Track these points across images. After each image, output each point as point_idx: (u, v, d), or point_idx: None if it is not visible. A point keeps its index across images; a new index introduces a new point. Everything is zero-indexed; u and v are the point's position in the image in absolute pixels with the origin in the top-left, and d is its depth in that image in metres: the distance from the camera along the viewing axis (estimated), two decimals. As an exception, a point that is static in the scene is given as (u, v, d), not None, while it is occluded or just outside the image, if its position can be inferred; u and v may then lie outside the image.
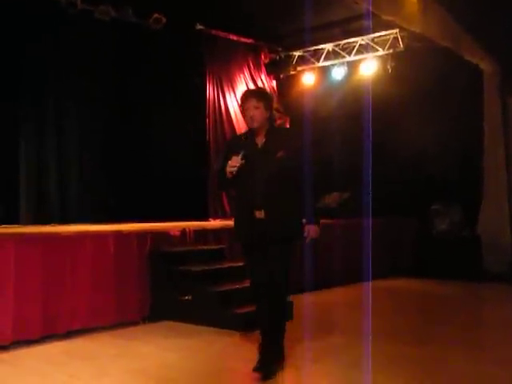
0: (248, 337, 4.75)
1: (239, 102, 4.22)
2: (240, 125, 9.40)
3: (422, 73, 8.25)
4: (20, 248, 4.67)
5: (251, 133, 3.98)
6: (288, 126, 10.40)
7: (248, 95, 4.02)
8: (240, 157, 3.79)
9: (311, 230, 3.99)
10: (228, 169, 3.81)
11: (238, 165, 3.79)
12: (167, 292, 5.60)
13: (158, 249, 5.74)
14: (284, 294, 4.00)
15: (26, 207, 6.91)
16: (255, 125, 3.91)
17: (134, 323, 5.43)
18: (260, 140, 3.95)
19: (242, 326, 5.01)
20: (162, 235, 5.91)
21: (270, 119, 4.05)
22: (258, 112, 3.90)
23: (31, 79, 7.06)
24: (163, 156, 7.92)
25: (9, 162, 6.81)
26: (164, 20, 7.93)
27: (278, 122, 10.24)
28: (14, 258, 4.60)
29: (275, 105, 10.11)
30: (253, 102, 3.92)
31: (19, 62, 6.95)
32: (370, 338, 4.62)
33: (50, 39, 7.14)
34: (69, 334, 4.94)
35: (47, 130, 7.25)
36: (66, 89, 7.45)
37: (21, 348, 4.58)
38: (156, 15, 7.88)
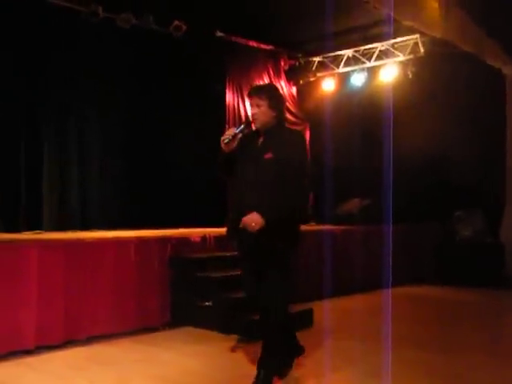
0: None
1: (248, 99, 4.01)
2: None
3: (443, 78, 8.19)
4: (43, 254, 4.72)
5: (255, 132, 3.74)
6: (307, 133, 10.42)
7: (251, 92, 3.78)
8: (240, 128, 3.63)
9: (250, 217, 3.46)
10: (222, 137, 3.62)
11: (232, 134, 3.61)
12: (187, 298, 5.62)
13: (178, 255, 5.76)
14: (280, 307, 3.69)
15: (48, 213, 6.99)
16: (257, 124, 3.68)
17: (155, 329, 5.46)
18: (260, 140, 3.71)
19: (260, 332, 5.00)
20: (183, 241, 5.94)
21: (278, 119, 3.73)
22: (260, 110, 3.65)
23: (54, 87, 7.15)
24: (184, 162, 7.96)
25: (32, 170, 6.89)
26: (184, 27, 7.98)
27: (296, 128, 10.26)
28: (37, 264, 4.65)
29: (291, 106, 10.18)
30: (255, 100, 3.68)
31: (43, 70, 7.04)
32: (390, 345, 4.58)
33: (72, 47, 7.22)
34: (90, 340, 4.98)
35: (69, 137, 7.33)
36: (88, 96, 7.53)
37: (43, 352, 4.63)
38: (176, 23, 7.94)
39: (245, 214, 3.50)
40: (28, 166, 6.86)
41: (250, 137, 3.77)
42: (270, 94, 3.72)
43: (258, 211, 3.46)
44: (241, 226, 3.50)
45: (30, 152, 6.89)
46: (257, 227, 3.44)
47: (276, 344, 3.73)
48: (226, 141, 3.62)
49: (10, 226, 6.49)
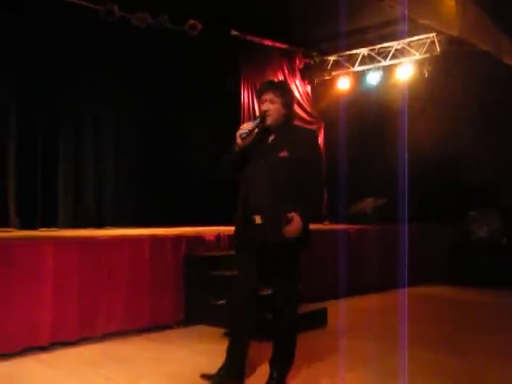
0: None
1: (258, 93, 3.78)
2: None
3: (459, 77, 8.13)
4: (59, 251, 4.76)
5: (265, 130, 3.61)
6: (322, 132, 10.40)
7: (266, 87, 3.66)
8: (256, 123, 3.50)
9: (296, 224, 3.37)
10: (239, 132, 3.47)
11: (250, 128, 3.47)
12: (201, 296, 5.64)
13: (192, 253, 5.78)
14: (295, 308, 3.69)
15: (64, 211, 7.05)
16: (268, 121, 3.56)
17: (168, 327, 5.48)
18: (271, 138, 3.61)
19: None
20: (197, 239, 5.95)
21: (287, 117, 3.67)
22: (274, 107, 3.55)
23: (69, 87, 7.21)
24: (198, 161, 7.98)
25: (48, 168, 6.96)
26: (199, 26, 8.00)
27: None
28: (52, 261, 4.69)
29: (306, 105, 10.16)
30: (269, 96, 3.56)
31: (58, 69, 7.10)
32: (406, 345, 4.56)
33: (88, 46, 7.27)
34: (104, 337, 5.00)
35: (85, 136, 7.40)
36: (103, 95, 7.59)
37: (59, 349, 4.67)
38: (191, 21, 7.96)
39: (256, 212, 3.47)
40: (44, 164, 6.93)
41: (259, 133, 3.62)
42: (284, 91, 3.67)
43: (286, 211, 3.40)
44: (287, 235, 3.37)
45: (46, 151, 6.96)
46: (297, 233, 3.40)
47: (289, 344, 3.71)
48: (243, 135, 3.47)
49: (26, 224, 6.57)
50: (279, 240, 3.42)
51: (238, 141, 3.49)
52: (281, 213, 3.38)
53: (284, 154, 3.49)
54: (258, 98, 3.72)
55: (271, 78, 9.49)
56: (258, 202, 3.48)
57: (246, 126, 3.52)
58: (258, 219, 3.47)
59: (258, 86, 9.26)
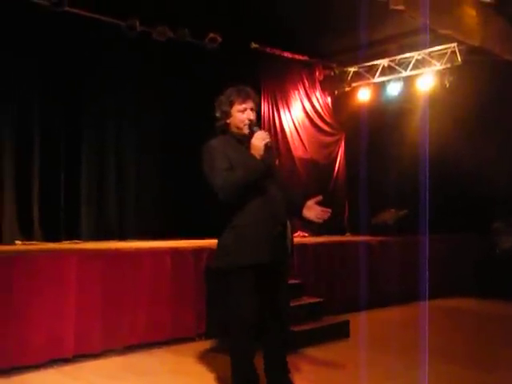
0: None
1: (229, 97, 3.51)
2: (295, 143, 9.43)
3: (482, 87, 8.06)
4: (82, 263, 4.81)
5: (242, 139, 3.43)
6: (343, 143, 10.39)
7: (249, 95, 3.48)
8: (266, 132, 3.36)
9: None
10: (265, 140, 3.27)
11: (267, 135, 3.33)
12: (223, 309, 5.62)
13: (212, 265, 5.77)
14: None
15: (86, 224, 7.11)
16: (247, 130, 3.41)
17: (190, 339, 5.47)
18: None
19: (297, 343, 4.98)
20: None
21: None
22: (254, 116, 3.44)
23: (91, 100, 7.30)
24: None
25: (71, 181, 7.02)
26: (219, 39, 8.06)
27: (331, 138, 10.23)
28: (76, 273, 4.74)
29: (326, 117, 10.15)
30: (251, 104, 3.45)
31: (80, 84, 7.20)
32: (428, 359, 4.49)
33: (111, 59, 7.38)
34: (127, 349, 5.02)
35: (107, 149, 7.46)
36: (125, 108, 7.66)
37: (82, 361, 4.70)
38: (212, 35, 8.03)
39: (276, 225, 3.34)
40: (67, 177, 6.99)
41: (233, 143, 3.46)
42: (258, 101, 3.62)
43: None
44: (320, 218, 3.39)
45: (68, 165, 7.03)
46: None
47: (284, 352, 3.59)
48: (269, 144, 3.34)
49: (50, 236, 6.63)
50: (289, 252, 3.43)
51: (263, 151, 3.29)
52: (290, 224, 3.39)
53: (277, 161, 3.55)
54: (230, 106, 3.47)
55: (291, 90, 9.55)
56: (275, 215, 3.36)
57: (264, 135, 3.35)
58: (278, 231, 3.34)
59: (277, 98, 9.33)
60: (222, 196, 3.31)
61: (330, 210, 3.43)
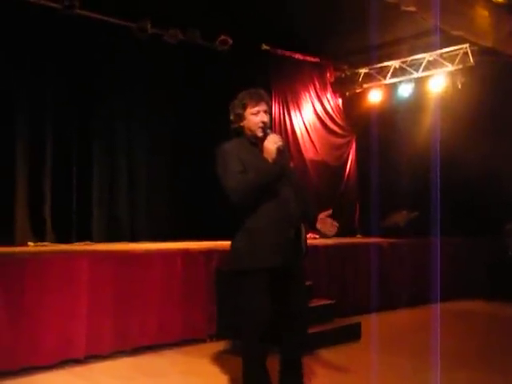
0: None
1: (242, 100, 3.49)
2: (306, 145, 9.43)
3: (494, 88, 8.01)
4: (93, 265, 4.82)
5: (256, 142, 3.42)
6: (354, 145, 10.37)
7: (262, 97, 3.47)
8: (278, 136, 3.35)
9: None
10: (278, 144, 3.27)
11: (281, 142, 3.31)
12: (233, 310, 5.62)
13: (225, 267, 5.78)
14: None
15: (98, 225, 7.15)
16: (262, 133, 3.39)
17: (201, 340, 5.47)
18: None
19: (308, 346, 4.96)
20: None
21: None
22: (268, 119, 3.42)
23: (103, 102, 7.35)
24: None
25: (83, 184, 7.07)
26: (230, 41, 8.08)
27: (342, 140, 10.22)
28: (87, 275, 4.76)
29: (337, 118, 10.13)
30: (265, 107, 3.43)
31: (92, 86, 7.24)
32: (439, 362, 4.47)
33: (121, 61, 7.42)
34: (137, 350, 5.03)
35: (118, 151, 7.50)
36: (136, 111, 7.70)
37: (93, 362, 4.71)
38: (222, 37, 8.05)
39: (289, 227, 3.34)
40: (79, 179, 7.05)
41: (247, 145, 3.46)
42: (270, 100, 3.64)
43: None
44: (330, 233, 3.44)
45: (80, 167, 7.09)
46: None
47: (301, 357, 3.59)
48: (281, 147, 3.32)
49: (61, 237, 6.68)
50: (303, 255, 3.44)
51: (276, 155, 3.29)
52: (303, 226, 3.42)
53: (292, 164, 3.54)
54: (243, 109, 3.45)
55: (302, 92, 9.54)
56: (289, 218, 3.35)
57: (277, 138, 3.34)
58: (292, 233, 3.34)
59: (288, 100, 9.32)
60: (234, 198, 3.30)
61: (337, 224, 3.46)
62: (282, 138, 3.45)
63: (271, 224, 3.29)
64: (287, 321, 3.46)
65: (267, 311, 3.30)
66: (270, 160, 3.29)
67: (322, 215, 3.49)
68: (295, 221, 3.38)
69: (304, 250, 3.46)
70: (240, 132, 3.51)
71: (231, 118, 3.53)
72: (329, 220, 3.47)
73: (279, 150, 3.30)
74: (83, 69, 7.06)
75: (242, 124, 3.48)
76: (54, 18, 6.65)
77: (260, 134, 3.40)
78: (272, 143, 3.31)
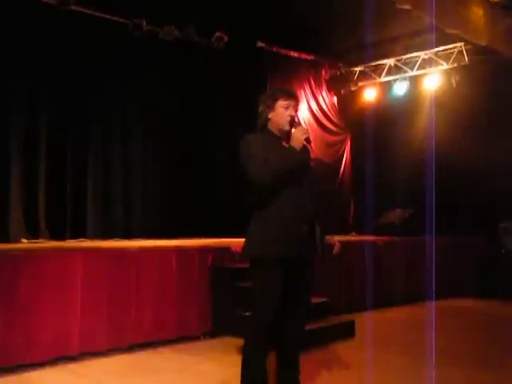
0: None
1: (274, 93, 3.52)
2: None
3: (489, 87, 8.03)
4: (87, 262, 4.82)
5: (281, 136, 3.46)
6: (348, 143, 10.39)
7: (293, 94, 3.52)
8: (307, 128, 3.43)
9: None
10: (305, 135, 3.31)
11: (309, 134, 3.36)
12: (228, 308, 5.63)
13: (219, 264, 5.79)
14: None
15: (92, 222, 7.13)
16: (289, 128, 3.43)
17: (196, 338, 5.48)
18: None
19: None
20: (224, 251, 5.95)
21: None
22: (296, 115, 3.47)
23: (99, 99, 7.31)
24: (226, 172, 8.00)
25: (77, 180, 7.05)
26: (226, 38, 8.06)
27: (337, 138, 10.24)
28: (81, 272, 4.75)
29: (332, 116, 10.15)
30: (293, 102, 3.47)
31: (87, 83, 7.21)
32: (435, 360, 4.48)
33: (116, 60, 7.38)
34: (132, 347, 5.03)
35: (113, 148, 7.48)
36: (132, 108, 7.67)
37: (87, 359, 4.71)
38: (218, 34, 8.03)
39: (302, 223, 3.37)
40: (73, 176, 7.02)
41: (271, 139, 3.48)
42: None
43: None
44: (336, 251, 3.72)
45: (75, 163, 7.05)
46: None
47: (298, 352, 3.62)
48: (309, 139, 3.36)
49: (55, 234, 6.65)
50: (317, 251, 3.49)
51: (303, 144, 3.33)
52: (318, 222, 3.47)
53: (312, 163, 3.54)
54: (274, 102, 3.46)
55: (298, 89, 9.51)
56: (302, 213, 3.38)
57: (305, 130, 3.38)
58: (305, 229, 3.38)
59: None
60: (258, 181, 3.29)
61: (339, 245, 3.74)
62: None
63: (287, 216, 3.32)
64: (289, 317, 3.48)
65: (275, 308, 3.32)
66: (296, 148, 3.33)
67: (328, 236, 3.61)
68: (307, 216, 3.40)
69: (320, 248, 3.49)
70: (265, 125, 3.52)
71: (260, 109, 3.54)
72: (334, 240, 3.69)
73: (307, 141, 3.34)
74: (77, 66, 7.02)
75: (269, 116, 3.49)
76: (47, 13, 6.59)
77: (287, 127, 3.42)
78: (301, 133, 3.34)
